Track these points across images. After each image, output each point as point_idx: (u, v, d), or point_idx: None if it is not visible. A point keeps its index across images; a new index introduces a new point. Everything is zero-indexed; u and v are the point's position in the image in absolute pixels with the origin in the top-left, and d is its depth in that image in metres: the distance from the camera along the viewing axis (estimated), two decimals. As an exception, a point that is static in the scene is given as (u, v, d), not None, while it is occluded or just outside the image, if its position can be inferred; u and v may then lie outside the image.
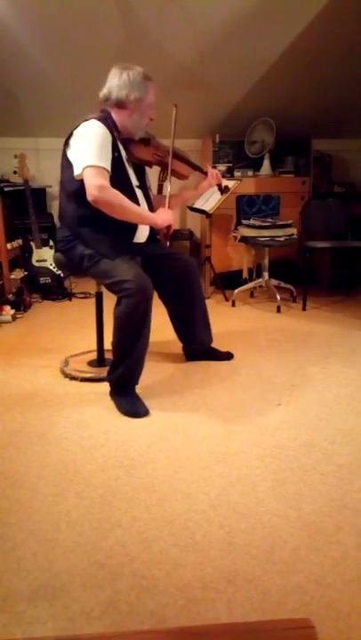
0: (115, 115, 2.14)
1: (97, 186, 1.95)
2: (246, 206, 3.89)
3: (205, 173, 2.44)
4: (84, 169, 1.98)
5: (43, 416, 2.00)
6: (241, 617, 1.09)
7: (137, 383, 2.11)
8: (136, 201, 2.16)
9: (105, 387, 2.17)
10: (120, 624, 1.08)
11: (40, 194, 4.27)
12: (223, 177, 4.09)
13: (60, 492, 1.52)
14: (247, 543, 1.31)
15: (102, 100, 2.15)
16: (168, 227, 2.16)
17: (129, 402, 2.04)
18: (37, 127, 4.19)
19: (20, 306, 3.50)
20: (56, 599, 1.14)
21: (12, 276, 3.63)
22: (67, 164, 2.08)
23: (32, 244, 3.95)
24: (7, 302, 3.41)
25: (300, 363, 2.55)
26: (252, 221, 3.70)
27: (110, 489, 1.53)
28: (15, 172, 3.87)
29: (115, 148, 2.08)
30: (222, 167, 4.23)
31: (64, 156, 2.11)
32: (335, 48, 3.54)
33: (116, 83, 2.09)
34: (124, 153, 2.16)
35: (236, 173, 4.22)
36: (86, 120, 2.07)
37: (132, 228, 2.17)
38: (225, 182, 2.52)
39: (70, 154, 2.07)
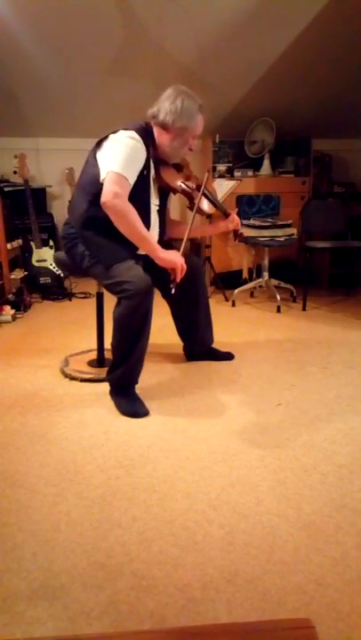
0: (157, 133, 2.11)
1: (113, 192, 1.91)
2: (246, 206, 3.89)
3: (228, 215, 2.43)
4: (107, 173, 1.94)
5: (43, 416, 2.00)
6: (241, 617, 1.09)
7: (137, 383, 2.11)
8: (148, 220, 2.13)
9: (105, 387, 2.17)
10: (120, 624, 1.08)
11: (40, 194, 4.27)
12: (223, 177, 4.12)
13: (60, 492, 1.52)
14: (247, 543, 1.31)
15: (149, 116, 2.11)
16: (174, 270, 2.03)
17: (129, 402, 2.04)
18: (37, 127, 4.19)
19: (20, 306, 3.50)
20: (56, 599, 1.14)
21: (12, 276, 3.63)
22: (93, 163, 2.04)
23: (32, 243, 3.95)
24: (7, 302, 3.41)
25: (300, 363, 2.55)
26: (252, 221, 3.71)
27: (110, 489, 1.53)
28: (15, 172, 3.87)
29: (145, 167, 2.05)
30: (222, 167, 4.23)
31: (93, 154, 2.06)
32: (335, 48, 3.54)
33: (167, 106, 2.05)
34: (153, 172, 2.13)
35: (236, 173, 4.22)
36: (127, 129, 2.02)
37: (134, 247, 2.11)
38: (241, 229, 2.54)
39: (100, 155, 2.03)
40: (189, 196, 2.25)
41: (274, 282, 3.74)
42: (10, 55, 3.41)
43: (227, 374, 2.42)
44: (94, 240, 2.08)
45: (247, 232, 3.63)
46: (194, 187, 2.25)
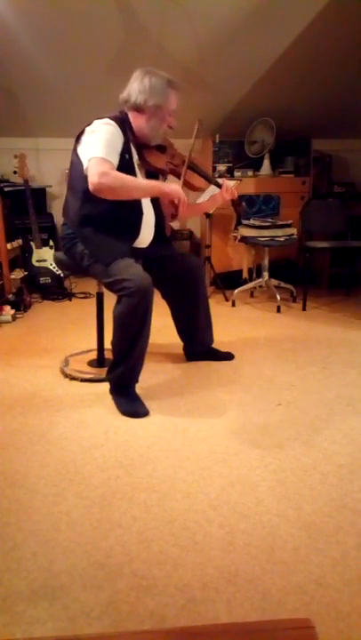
0: (132, 118, 2.11)
1: (97, 173, 1.88)
2: (246, 206, 3.89)
3: (220, 187, 2.40)
4: (88, 161, 1.95)
5: (43, 416, 2.00)
6: (241, 617, 1.09)
7: (137, 382, 2.11)
8: (139, 208, 2.13)
9: (105, 387, 2.17)
10: (120, 624, 1.08)
11: (40, 194, 4.27)
12: (223, 177, 4.12)
13: (60, 492, 1.52)
14: (247, 543, 1.31)
15: (122, 102, 2.11)
16: (178, 202, 2.06)
17: (129, 402, 2.04)
18: (37, 127, 4.19)
19: (20, 306, 3.50)
20: (56, 599, 1.14)
21: (12, 276, 3.63)
22: (76, 161, 2.06)
23: (32, 243, 3.95)
24: (7, 302, 3.41)
25: (300, 363, 2.55)
26: (252, 221, 3.71)
27: (110, 489, 1.53)
28: (15, 172, 3.87)
29: (126, 150, 2.05)
30: (222, 167, 4.23)
31: (74, 152, 2.08)
32: (335, 48, 3.54)
33: (136, 87, 2.06)
34: (136, 157, 2.13)
35: (236, 173, 4.22)
36: (100, 118, 2.04)
37: (134, 232, 2.14)
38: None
39: (80, 149, 2.04)
40: (178, 175, 2.24)
41: (274, 282, 3.74)
42: (10, 55, 3.41)
43: (227, 374, 2.42)
44: (92, 238, 2.09)
45: (247, 232, 3.64)
46: (180, 163, 2.23)
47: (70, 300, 3.89)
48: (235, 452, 1.73)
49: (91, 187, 1.91)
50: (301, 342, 2.87)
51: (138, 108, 2.08)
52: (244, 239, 3.68)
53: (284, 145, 4.37)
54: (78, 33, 3.25)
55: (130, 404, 2.03)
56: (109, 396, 2.12)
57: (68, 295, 3.93)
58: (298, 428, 1.90)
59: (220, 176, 4.15)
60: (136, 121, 2.11)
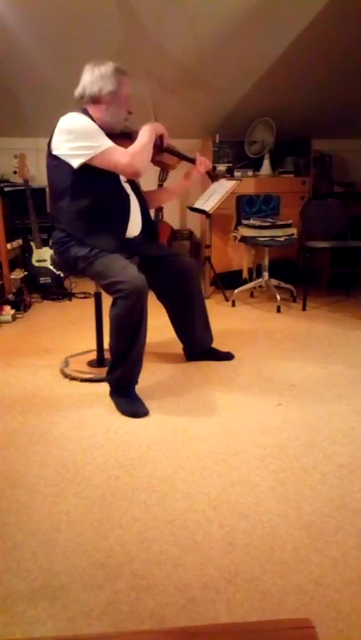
0: (92, 111, 2.13)
1: (123, 164, 2.00)
2: (246, 206, 3.89)
3: (193, 162, 2.39)
4: (93, 158, 1.98)
5: (43, 416, 2.00)
6: (241, 617, 1.09)
7: (136, 383, 2.11)
8: (125, 194, 2.17)
9: (105, 387, 2.17)
10: (120, 624, 1.08)
11: (40, 194, 4.27)
12: (223, 177, 4.12)
13: (60, 492, 1.52)
14: (247, 543, 1.31)
15: (78, 99, 2.15)
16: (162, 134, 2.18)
17: (129, 402, 2.04)
18: (37, 127, 4.18)
19: (20, 306, 3.50)
20: (56, 599, 1.14)
21: (12, 276, 3.63)
22: (55, 164, 2.07)
23: (32, 243, 3.95)
24: (7, 302, 3.41)
25: (300, 363, 2.55)
26: (252, 221, 3.70)
27: (110, 489, 1.53)
28: (15, 172, 3.87)
29: None
30: (222, 167, 4.23)
31: (50, 155, 2.09)
32: (335, 48, 3.54)
33: (88, 79, 2.11)
34: None
35: (236, 173, 4.22)
36: (65, 116, 2.06)
37: (123, 222, 2.17)
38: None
39: (59, 151, 2.05)
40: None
41: (274, 282, 3.74)
42: (10, 55, 3.41)
43: (227, 374, 2.42)
44: (89, 230, 2.11)
45: (247, 232, 3.64)
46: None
47: (70, 300, 3.89)
48: (235, 452, 1.73)
49: (129, 175, 2.05)
50: (301, 342, 2.87)
51: (94, 99, 2.12)
52: (244, 239, 3.68)
53: (284, 145, 4.37)
54: (78, 33, 3.25)
55: (130, 405, 2.03)
56: (110, 397, 2.12)
57: (68, 295, 3.93)
58: (298, 427, 1.90)
59: (221, 176, 4.15)
60: (96, 113, 2.14)
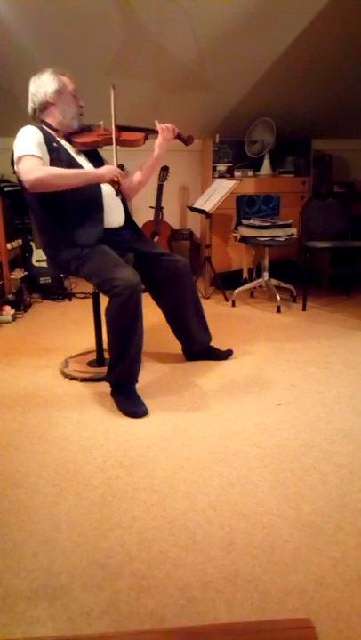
0: (47, 118, 2.20)
1: (28, 170, 1.99)
2: (246, 206, 3.89)
3: (157, 131, 2.33)
4: (17, 161, 2.03)
5: (43, 416, 2.00)
6: (241, 617, 1.09)
7: (136, 382, 2.11)
8: (96, 186, 2.17)
9: (105, 387, 2.17)
10: (120, 624, 1.08)
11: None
12: (223, 177, 4.12)
13: (60, 491, 1.52)
14: (247, 543, 1.31)
15: (31, 115, 2.22)
16: (116, 178, 2.12)
17: (129, 402, 2.04)
18: (37, 127, 4.19)
19: (20, 306, 3.50)
20: (56, 599, 1.14)
21: (12, 276, 3.63)
22: (19, 180, 2.11)
23: (32, 243, 3.95)
24: (7, 302, 3.41)
25: (300, 363, 2.55)
26: (252, 221, 3.70)
27: (110, 489, 1.53)
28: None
29: (52, 140, 2.12)
30: (222, 167, 4.23)
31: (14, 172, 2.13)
32: (335, 48, 3.54)
33: (32, 91, 2.18)
34: (68, 146, 2.20)
35: (236, 173, 4.22)
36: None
37: (98, 211, 2.18)
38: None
39: (17, 167, 2.09)
40: (111, 141, 2.24)
41: (274, 282, 3.74)
42: (10, 55, 3.41)
43: (227, 374, 2.42)
44: (68, 231, 2.13)
45: (247, 232, 3.64)
46: (109, 132, 2.24)
47: (70, 300, 3.89)
48: (235, 452, 1.73)
49: (26, 185, 2.00)
50: (301, 342, 2.87)
51: (45, 105, 2.18)
52: (244, 239, 3.68)
53: (284, 145, 4.37)
54: (78, 33, 3.25)
55: (130, 404, 2.03)
56: (109, 396, 2.13)
57: (68, 295, 3.93)
58: (298, 427, 1.90)
59: (220, 176, 4.15)
60: (50, 117, 2.19)
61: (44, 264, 3.93)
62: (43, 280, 3.94)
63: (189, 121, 4.27)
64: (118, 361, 2.04)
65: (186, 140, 2.42)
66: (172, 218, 4.75)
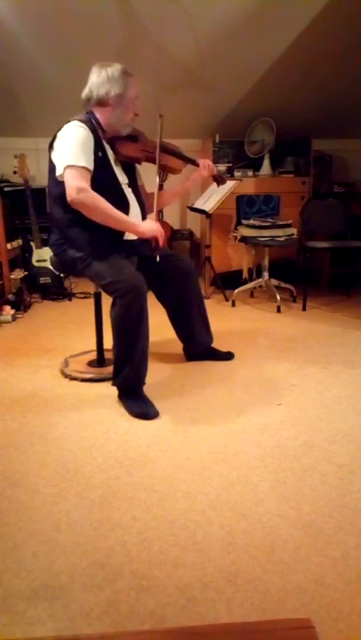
0: (98, 114, 2.13)
1: (75, 187, 1.95)
2: (246, 206, 3.89)
3: (198, 165, 2.40)
4: (64, 169, 1.98)
5: (43, 416, 2.00)
6: (241, 617, 1.09)
7: (144, 383, 2.10)
8: (125, 199, 2.15)
9: (105, 387, 2.17)
10: (120, 624, 1.08)
11: (40, 194, 4.25)
12: (223, 177, 4.12)
13: (60, 491, 1.52)
14: (247, 543, 1.31)
15: (85, 101, 2.15)
16: (156, 238, 2.10)
17: (138, 404, 2.03)
18: (37, 127, 4.18)
19: (20, 306, 3.50)
20: (56, 599, 1.14)
21: (12, 276, 3.63)
22: (52, 167, 2.08)
23: (32, 243, 3.95)
24: (7, 302, 3.41)
25: (300, 363, 2.55)
26: (252, 221, 3.70)
27: (110, 489, 1.53)
28: (15, 172, 3.87)
29: (99, 148, 2.07)
30: (222, 167, 4.23)
31: (50, 158, 2.10)
32: (335, 48, 3.54)
33: (95, 81, 2.10)
34: (110, 152, 2.15)
35: (236, 173, 4.21)
36: (68, 122, 2.07)
37: (121, 233, 2.15)
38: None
39: (54, 156, 2.07)
40: (153, 160, 2.25)
41: (274, 282, 3.74)
42: (10, 55, 3.41)
43: (227, 374, 2.42)
44: (82, 237, 2.10)
45: (247, 232, 3.64)
46: (154, 149, 2.24)
47: (70, 300, 3.89)
48: (235, 452, 1.73)
49: (68, 198, 1.97)
50: (301, 342, 2.87)
51: (101, 102, 2.11)
52: (244, 239, 3.68)
53: (284, 145, 4.37)
54: (78, 33, 3.25)
55: (139, 406, 2.02)
56: (109, 396, 2.13)
57: (68, 295, 3.93)
58: (298, 427, 1.90)
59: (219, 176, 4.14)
60: (102, 115, 2.13)
61: (45, 264, 3.94)
62: (43, 280, 3.94)
63: (189, 121, 4.28)
64: (124, 363, 2.03)
65: (218, 182, 2.48)
66: (172, 218, 4.74)
